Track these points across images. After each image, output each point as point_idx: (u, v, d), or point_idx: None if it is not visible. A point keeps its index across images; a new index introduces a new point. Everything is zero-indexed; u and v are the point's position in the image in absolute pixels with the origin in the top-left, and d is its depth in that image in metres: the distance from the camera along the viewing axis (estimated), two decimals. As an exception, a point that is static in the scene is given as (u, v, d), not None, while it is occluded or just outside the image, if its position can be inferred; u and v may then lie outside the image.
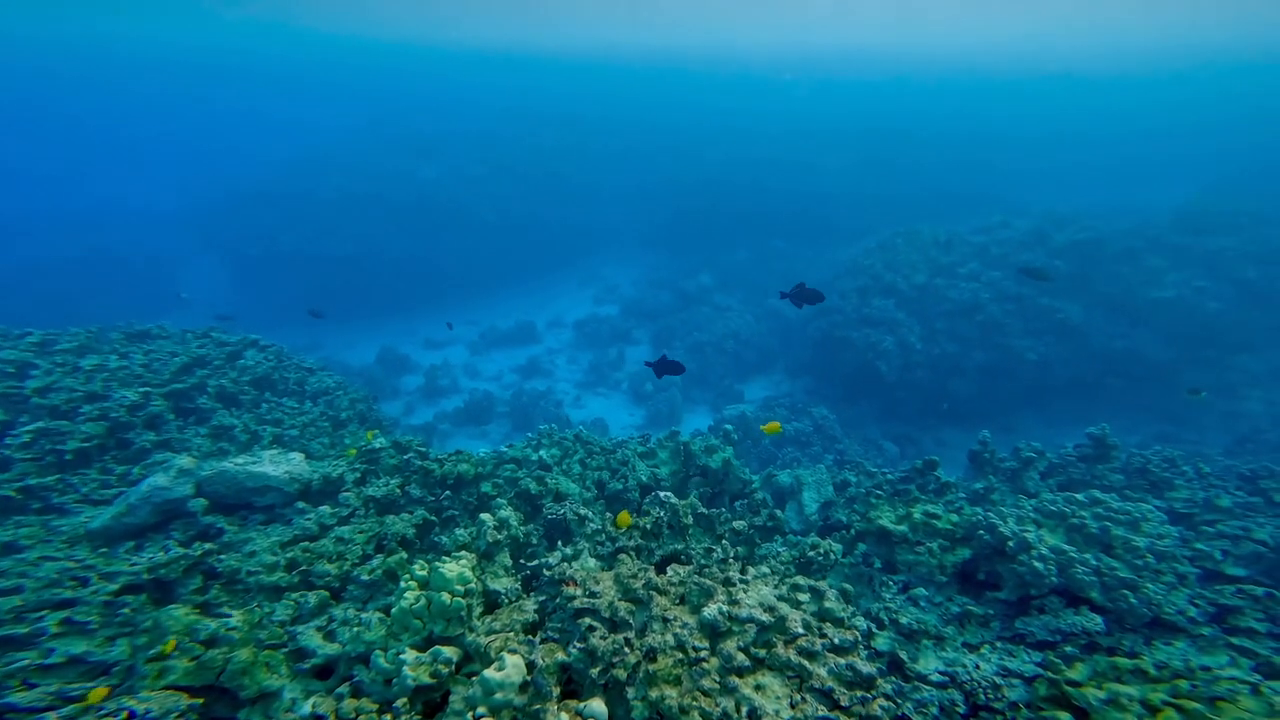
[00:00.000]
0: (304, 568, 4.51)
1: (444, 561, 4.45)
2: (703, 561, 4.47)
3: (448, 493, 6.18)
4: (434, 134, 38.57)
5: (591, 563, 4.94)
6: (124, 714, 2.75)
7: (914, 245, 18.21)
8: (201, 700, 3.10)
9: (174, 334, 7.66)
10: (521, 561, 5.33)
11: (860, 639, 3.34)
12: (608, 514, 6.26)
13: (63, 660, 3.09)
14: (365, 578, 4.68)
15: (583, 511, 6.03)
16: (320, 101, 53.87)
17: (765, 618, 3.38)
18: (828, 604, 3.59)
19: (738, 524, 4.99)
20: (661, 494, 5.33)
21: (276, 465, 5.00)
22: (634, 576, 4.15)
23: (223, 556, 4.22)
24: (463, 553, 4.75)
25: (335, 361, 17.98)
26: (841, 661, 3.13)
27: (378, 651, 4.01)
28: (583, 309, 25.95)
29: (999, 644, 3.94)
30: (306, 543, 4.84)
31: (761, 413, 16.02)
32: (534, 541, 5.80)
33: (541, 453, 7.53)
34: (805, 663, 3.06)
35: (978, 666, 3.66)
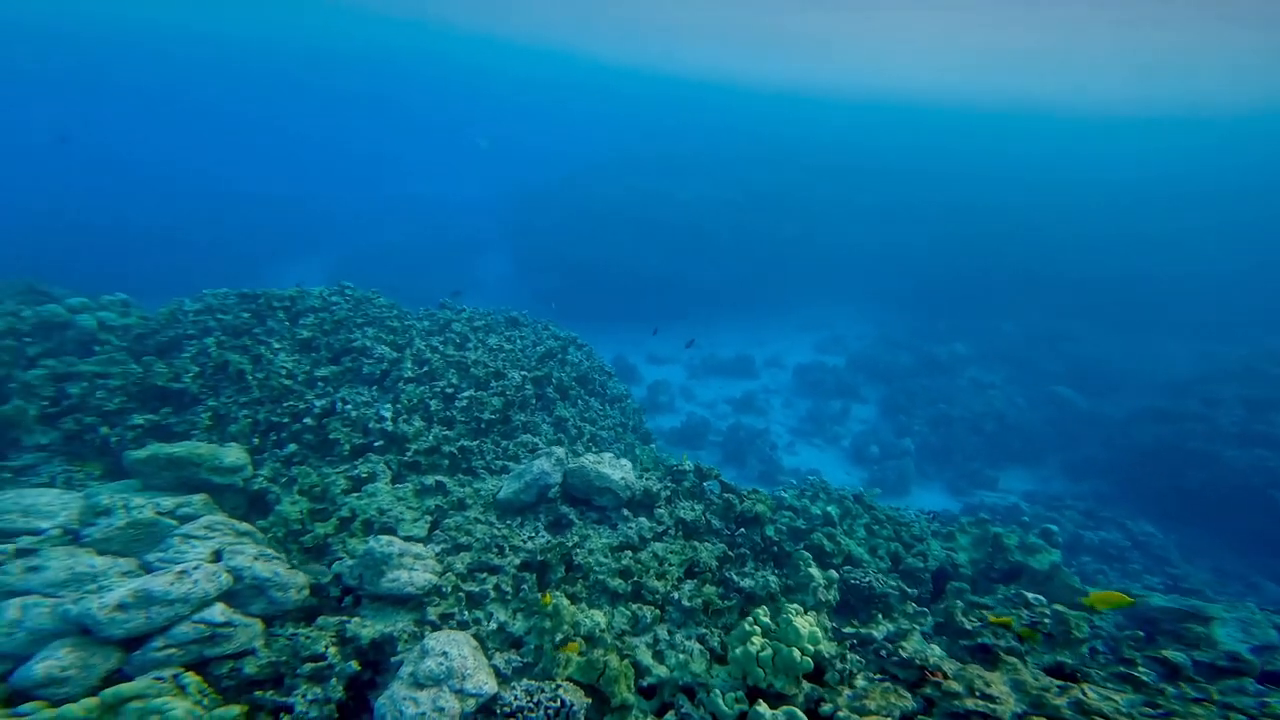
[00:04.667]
0: (636, 579, 4.64)
1: (793, 615, 4.25)
2: (1133, 693, 3.57)
3: (742, 530, 6.05)
4: (696, 158, 39.99)
5: (935, 649, 4.38)
6: (558, 701, 2.95)
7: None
8: (590, 701, 3.21)
9: (531, 323, 8.84)
10: (833, 626, 4.95)
11: None
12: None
13: (495, 628, 3.47)
14: (685, 603, 4.68)
15: (893, 585, 5.50)
16: (604, 121, 60.56)
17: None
18: None
19: (1172, 655, 3.99)
20: (1030, 595, 4.80)
21: (614, 469, 5.31)
22: (1046, 690, 3.45)
23: (577, 551, 4.51)
24: (798, 606, 4.51)
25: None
26: None
27: (716, 693, 3.90)
28: (803, 354, 24.97)
29: None
30: (631, 552, 5.02)
31: (1029, 506, 13.67)
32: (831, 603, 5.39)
33: (828, 508, 7.08)
34: None
35: None
